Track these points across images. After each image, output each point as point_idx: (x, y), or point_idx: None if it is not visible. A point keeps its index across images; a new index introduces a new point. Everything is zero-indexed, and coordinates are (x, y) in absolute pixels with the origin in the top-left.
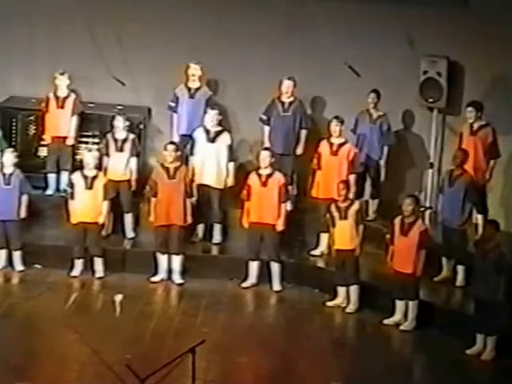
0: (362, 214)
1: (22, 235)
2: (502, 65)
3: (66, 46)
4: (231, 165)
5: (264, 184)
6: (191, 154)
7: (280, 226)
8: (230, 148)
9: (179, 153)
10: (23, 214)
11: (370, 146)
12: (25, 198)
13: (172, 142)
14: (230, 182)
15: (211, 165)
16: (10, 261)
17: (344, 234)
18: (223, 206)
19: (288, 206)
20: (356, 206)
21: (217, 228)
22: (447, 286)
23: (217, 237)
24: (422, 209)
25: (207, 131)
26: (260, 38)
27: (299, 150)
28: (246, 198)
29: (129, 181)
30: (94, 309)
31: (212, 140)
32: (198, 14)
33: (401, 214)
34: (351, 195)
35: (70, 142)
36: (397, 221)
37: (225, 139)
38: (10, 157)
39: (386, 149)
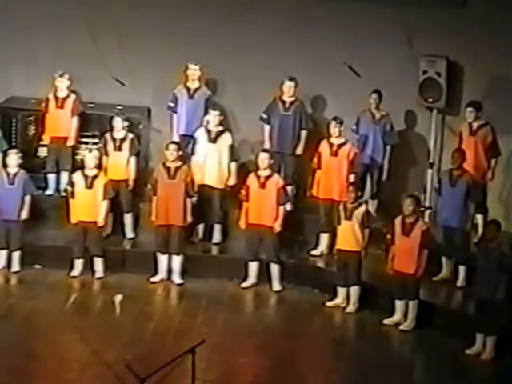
0: (367, 217)
1: (22, 236)
2: (501, 65)
3: (66, 46)
4: (233, 165)
5: (262, 186)
6: (192, 154)
7: (277, 228)
8: (232, 148)
9: (181, 152)
10: (25, 215)
11: (373, 146)
12: (27, 199)
13: (174, 142)
14: (233, 181)
15: (212, 165)
16: (10, 261)
17: (346, 235)
18: (224, 207)
19: (288, 206)
20: (362, 208)
21: (217, 228)
22: (447, 286)
23: (217, 237)
24: (421, 209)
25: (208, 131)
26: (260, 38)
27: (299, 151)
28: (245, 198)
29: (128, 180)
30: (94, 309)
31: (213, 140)
32: (198, 14)
33: (401, 214)
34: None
35: (71, 142)
36: (397, 221)
37: (226, 139)
38: (14, 158)
39: (388, 148)
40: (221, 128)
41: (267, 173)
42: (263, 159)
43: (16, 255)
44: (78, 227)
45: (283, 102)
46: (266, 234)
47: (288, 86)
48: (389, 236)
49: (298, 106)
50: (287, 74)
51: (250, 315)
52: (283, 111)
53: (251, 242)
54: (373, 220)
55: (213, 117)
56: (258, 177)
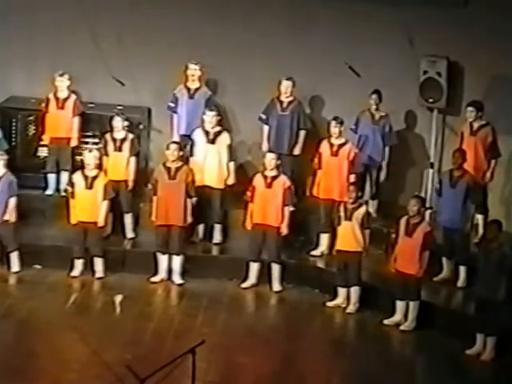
0: (367, 218)
1: (16, 236)
2: (501, 65)
3: (66, 46)
4: (231, 164)
5: (269, 186)
6: (191, 154)
7: (284, 230)
8: (230, 148)
9: (181, 153)
10: (12, 218)
11: (372, 146)
12: (11, 202)
13: (175, 142)
14: (231, 181)
15: (211, 165)
16: (9, 261)
17: (346, 235)
18: (224, 207)
19: (291, 207)
20: (363, 209)
21: (217, 228)
22: (447, 287)
23: (217, 237)
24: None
25: (206, 132)
26: (260, 38)
27: (297, 151)
28: (250, 199)
29: (128, 181)
30: (94, 309)
31: (212, 141)
32: (199, 14)
33: (405, 214)
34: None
35: (74, 143)
36: (402, 221)
37: (224, 139)
38: None
39: (387, 149)
40: (218, 128)
41: (274, 173)
42: (270, 159)
43: (15, 255)
44: (78, 227)
45: (281, 102)
46: (269, 234)
47: (285, 85)
48: (393, 235)
49: (295, 106)
50: (287, 73)
51: (251, 315)
52: (281, 111)
53: (254, 243)
54: (373, 220)
55: (209, 117)
56: (265, 177)
